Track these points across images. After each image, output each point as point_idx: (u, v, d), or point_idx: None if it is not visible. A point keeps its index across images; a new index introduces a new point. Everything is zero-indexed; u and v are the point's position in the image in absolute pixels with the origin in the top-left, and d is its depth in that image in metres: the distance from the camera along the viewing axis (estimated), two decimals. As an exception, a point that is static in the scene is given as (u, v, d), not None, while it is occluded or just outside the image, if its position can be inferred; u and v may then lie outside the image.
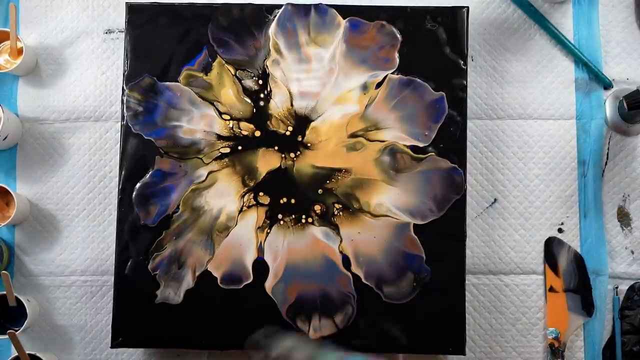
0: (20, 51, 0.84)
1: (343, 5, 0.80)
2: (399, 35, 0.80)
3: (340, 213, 0.77)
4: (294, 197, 0.78)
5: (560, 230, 0.83)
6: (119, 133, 0.79)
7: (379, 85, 0.79)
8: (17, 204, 0.79)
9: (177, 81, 0.79)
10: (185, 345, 0.78)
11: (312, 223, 0.77)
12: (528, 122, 0.85)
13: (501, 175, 0.84)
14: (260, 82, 0.79)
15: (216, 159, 0.78)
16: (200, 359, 0.82)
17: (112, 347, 0.76)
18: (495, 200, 0.84)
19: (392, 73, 0.79)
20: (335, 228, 0.77)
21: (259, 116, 0.79)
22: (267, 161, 0.78)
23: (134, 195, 0.78)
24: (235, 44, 0.80)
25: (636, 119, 0.80)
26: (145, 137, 0.79)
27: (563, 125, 0.85)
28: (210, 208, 0.78)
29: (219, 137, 0.79)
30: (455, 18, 0.80)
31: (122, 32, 0.84)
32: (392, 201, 0.77)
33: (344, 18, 0.80)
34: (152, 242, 0.77)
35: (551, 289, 0.82)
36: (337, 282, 0.77)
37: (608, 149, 0.84)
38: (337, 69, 0.79)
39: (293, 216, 0.78)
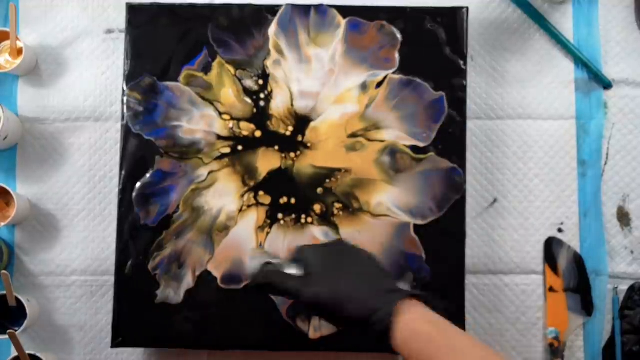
0: (20, 51, 0.83)
1: (343, 5, 0.80)
2: (399, 35, 0.80)
3: (340, 213, 0.77)
4: (294, 196, 0.78)
5: (560, 230, 0.83)
6: (119, 133, 0.79)
7: (378, 85, 0.79)
8: (17, 204, 0.79)
9: (177, 81, 0.79)
10: (185, 345, 0.78)
11: (312, 223, 0.77)
12: (528, 122, 0.85)
13: (501, 175, 0.84)
14: (261, 82, 0.79)
15: (216, 159, 0.79)
16: (200, 359, 0.82)
17: (112, 347, 0.77)
18: (495, 200, 0.84)
19: (392, 73, 0.79)
20: (335, 228, 0.77)
21: (259, 116, 0.79)
22: (267, 161, 0.78)
23: (134, 195, 0.78)
24: (235, 44, 0.80)
25: None
26: (146, 137, 0.79)
27: (563, 125, 0.85)
28: (210, 208, 0.78)
29: (219, 137, 0.79)
30: (455, 18, 0.80)
31: (122, 32, 0.84)
32: (392, 201, 0.78)
33: (344, 18, 0.80)
34: (152, 242, 0.77)
35: (551, 289, 0.82)
36: (337, 282, 0.77)
37: (608, 149, 0.84)
38: (337, 69, 0.79)
39: (293, 216, 0.78)
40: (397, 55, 0.79)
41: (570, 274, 0.82)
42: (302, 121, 0.79)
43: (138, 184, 0.78)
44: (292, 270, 0.62)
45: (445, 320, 0.57)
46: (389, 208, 0.78)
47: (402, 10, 0.80)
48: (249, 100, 0.79)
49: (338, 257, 0.64)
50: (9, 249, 0.83)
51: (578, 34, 0.86)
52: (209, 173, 0.78)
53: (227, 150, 0.79)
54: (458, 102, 0.79)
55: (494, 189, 0.84)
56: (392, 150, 0.78)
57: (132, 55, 0.80)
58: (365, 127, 0.79)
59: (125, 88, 0.79)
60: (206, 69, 0.80)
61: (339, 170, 0.78)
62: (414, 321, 0.57)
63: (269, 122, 0.79)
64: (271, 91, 0.79)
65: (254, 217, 0.78)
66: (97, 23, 0.87)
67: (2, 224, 0.79)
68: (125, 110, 0.79)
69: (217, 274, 0.77)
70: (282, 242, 0.77)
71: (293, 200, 0.78)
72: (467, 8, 0.80)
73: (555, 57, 0.86)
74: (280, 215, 0.78)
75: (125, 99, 0.79)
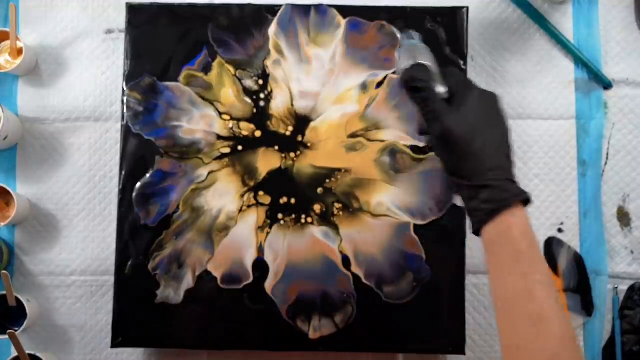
0: (20, 51, 0.83)
1: (343, 5, 0.80)
2: (399, 35, 0.80)
3: (340, 213, 0.77)
4: (294, 196, 0.78)
5: (560, 230, 0.83)
6: (119, 133, 0.79)
7: (379, 85, 0.79)
8: (17, 204, 0.79)
9: (177, 81, 0.79)
10: (185, 345, 0.78)
11: (312, 223, 0.77)
12: (528, 122, 0.85)
13: (501, 175, 0.84)
14: (261, 82, 0.79)
15: (216, 159, 0.79)
16: (200, 359, 0.82)
17: (112, 347, 0.77)
18: (495, 200, 0.83)
19: (392, 73, 0.79)
20: (335, 228, 0.77)
21: (259, 116, 0.79)
22: (267, 161, 0.78)
23: (134, 195, 0.78)
24: (235, 44, 0.80)
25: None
26: (146, 137, 0.79)
27: (563, 125, 0.85)
28: (210, 208, 0.78)
29: (219, 137, 0.79)
30: (455, 18, 0.80)
31: (122, 32, 0.84)
32: (392, 201, 0.78)
33: (344, 18, 0.80)
34: (152, 242, 0.77)
35: (551, 289, 0.82)
36: (337, 282, 0.77)
37: (608, 149, 0.84)
38: (337, 69, 0.79)
39: (293, 216, 0.78)
40: (397, 55, 0.79)
41: (570, 274, 0.82)
42: (302, 121, 0.79)
43: (138, 184, 0.78)
44: (441, 90, 0.56)
45: (538, 246, 0.54)
46: (389, 208, 0.78)
47: (402, 10, 0.80)
48: (249, 100, 0.79)
49: (495, 113, 0.57)
50: (9, 249, 0.83)
51: (578, 34, 0.86)
52: (209, 173, 0.78)
53: (227, 150, 0.79)
54: (458, 102, 0.79)
55: (494, 189, 0.84)
56: (392, 150, 0.78)
57: (132, 55, 0.80)
58: (365, 127, 0.79)
59: (125, 88, 0.79)
60: (206, 69, 0.79)
61: (339, 170, 0.78)
62: (515, 227, 0.54)
63: (269, 122, 0.79)
64: (271, 91, 0.79)
65: (254, 217, 0.78)
66: (97, 23, 0.87)
67: (2, 224, 0.79)
68: (125, 110, 0.79)
69: (217, 274, 0.77)
70: (282, 242, 0.77)
71: (293, 200, 0.78)
72: (467, 8, 0.80)
73: (555, 57, 0.86)
74: (280, 215, 0.78)
75: (125, 99, 0.79)
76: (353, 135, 0.78)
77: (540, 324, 0.49)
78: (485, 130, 0.55)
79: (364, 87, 0.79)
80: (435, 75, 0.58)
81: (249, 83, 0.79)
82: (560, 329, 0.49)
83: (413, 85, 0.58)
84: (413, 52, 0.58)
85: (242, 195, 0.78)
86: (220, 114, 0.79)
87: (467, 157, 0.55)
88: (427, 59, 0.58)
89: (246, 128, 0.79)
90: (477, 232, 0.56)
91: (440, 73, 0.58)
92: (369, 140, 0.78)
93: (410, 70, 0.58)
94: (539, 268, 0.53)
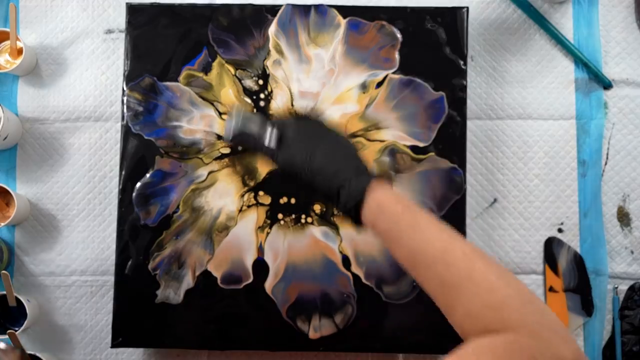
0: (20, 51, 0.84)
1: (343, 5, 0.80)
2: (399, 35, 0.80)
3: (340, 213, 0.77)
4: (294, 196, 0.78)
5: (560, 230, 0.83)
6: (119, 133, 0.79)
7: (379, 85, 0.79)
8: (17, 204, 0.79)
9: (177, 81, 0.79)
10: (185, 345, 0.78)
11: (312, 223, 0.77)
12: (528, 122, 0.85)
13: (501, 175, 0.84)
14: (261, 82, 0.79)
15: (216, 159, 0.79)
16: (200, 359, 0.82)
17: (112, 347, 0.77)
18: (495, 200, 0.84)
19: (392, 73, 0.79)
20: (335, 228, 0.77)
21: (259, 116, 0.79)
22: (267, 161, 0.78)
23: (134, 195, 0.78)
24: (235, 44, 0.80)
25: None
26: (146, 137, 0.79)
27: (563, 125, 0.85)
28: (210, 208, 0.78)
29: (219, 137, 0.79)
30: (455, 18, 0.80)
31: (122, 32, 0.84)
32: (392, 201, 0.77)
33: (344, 18, 0.80)
34: (152, 242, 0.77)
35: (551, 289, 0.82)
36: (337, 282, 0.77)
37: (608, 149, 0.84)
38: (337, 69, 0.79)
39: (293, 216, 0.78)
40: (397, 55, 0.79)
41: (570, 274, 0.82)
42: (302, 121, 0.79)
43: (138, 184, 0.78)
44: (268, 136, 0.63)
45: (412, 201, 0.59)
46: (389, 208, 0.77)
47: (402, 10, 0.80)
48: (248, 100, 0.79)
49: (315, 132, 0.64)
50: (9, 249, 0.83)
51: (578, 34, 0.86)
52: (209, 173, 0.78)
53: (227, 150, 0.79)
54: (458, 102, 0.79)
55: (494, 189, 0.84)
56: (392, 150, 0.78)
57: (132, 55, 0.80)
58: (365, 127, 0.79)
59: (125, 88, 0.79)
60: (206, 69, 0.80)
61: (339, 170, 0.78)
62: (384, 200, 0.58)
63: (269, 122, 0.79)
64: (271, 91, 0.79)
65: (254, 217, 0.78)
66: (97, 23, 0.87)
67: (2, 224, 0.80)
68: (125, 110, 0.79)
69: (217, 274, 0.77)
70: (282, 242, 0.77)
71: (293, 200, 0.78)
72: (467, 8, 0.80)
73: (555, 57, 0.86)
74: (280, 215, 0.78)
75: (125, 99, 0.79)
76: (353, 135, 0.78)
77: (445, 254, 0.53)
78: (313, 149, 0.61)
79: (363, 87, 0.79)
80: (261, 131, 0.64)
81: (249, 83, 0.79)
82: (462, 244, 0.53)
83: (242, 146, 0.65)
84: (238, 118, 0.65)
85: (242, 195, 0.78)
86: (220, 114, 0.79)
87: (313, 178, 0.61)
88: (253, 122, 0.64)
89: (246, 128, 0.79)
90: (359, 224, 0.60)
91: (265, 129, 0.64)
92: (368, 140, 0.78)
93: (236, 136, 0.65)
94: (422, 215, 0.56)
